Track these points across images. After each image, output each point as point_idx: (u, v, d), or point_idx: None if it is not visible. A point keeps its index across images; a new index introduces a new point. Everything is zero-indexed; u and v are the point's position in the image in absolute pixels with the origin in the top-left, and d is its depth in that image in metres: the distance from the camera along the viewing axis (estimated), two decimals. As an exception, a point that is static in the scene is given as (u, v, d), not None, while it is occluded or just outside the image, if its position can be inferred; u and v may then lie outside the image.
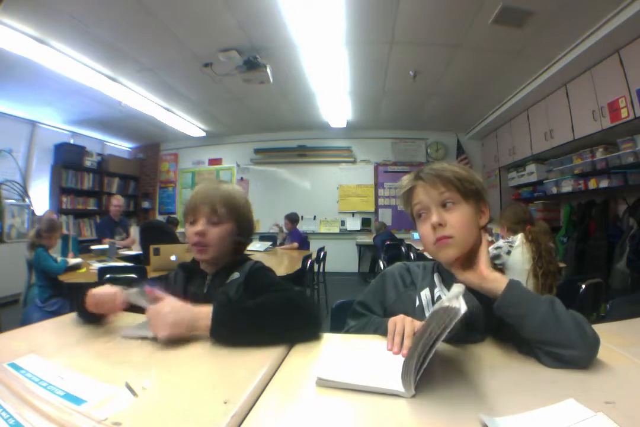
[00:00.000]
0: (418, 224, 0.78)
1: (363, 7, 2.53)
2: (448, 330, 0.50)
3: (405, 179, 0.81)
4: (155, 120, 4.90)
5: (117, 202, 3.80)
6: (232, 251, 0.97)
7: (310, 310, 0.76)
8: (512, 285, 0.65)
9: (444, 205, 0.74)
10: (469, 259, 0.72)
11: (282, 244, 4.29)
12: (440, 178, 0.74)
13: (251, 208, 1.01)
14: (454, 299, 0.52)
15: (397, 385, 0.51)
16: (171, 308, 0.71)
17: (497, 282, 0.66)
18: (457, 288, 0.62)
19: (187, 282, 0.97)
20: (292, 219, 4.27)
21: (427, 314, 0.78)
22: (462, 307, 0.50)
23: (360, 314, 0.87)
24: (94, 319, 0.82)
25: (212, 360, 0.64)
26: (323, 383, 0.54)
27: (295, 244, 4.09)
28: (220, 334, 0.70)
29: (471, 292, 0.74)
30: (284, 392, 0.54)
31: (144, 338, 0.72)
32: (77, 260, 2.47)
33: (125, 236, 3.75)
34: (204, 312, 0.70)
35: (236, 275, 0.95)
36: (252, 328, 0.70)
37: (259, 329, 0.70)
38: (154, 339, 0.70)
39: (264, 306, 0.74)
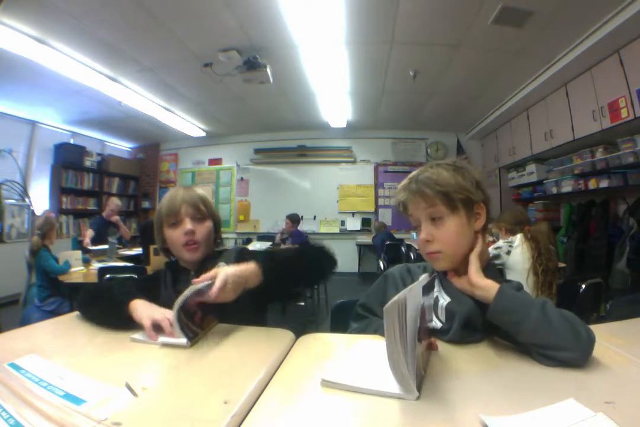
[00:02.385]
0: (417, 233, 0.80)
1: (363, 7, 2.53)
2: (414, 321, 0.49)
3: (399, 191, 0.80)
4: (155, 120, 4.90)
5: (109, 206, 3.70)
6: (212, 247, 1.03)
7: (330, 251, 0.94)
8: (503, 292, 0.65)
9: (432, 218, 0.74)
10: (465, 264, 0.72)
11: (278, 244, 4.27)
12: (421, 195, 0.73)
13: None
14: (408, 291, 0.51)
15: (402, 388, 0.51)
16: (230, 278, 0.75)
17: (487, 290, 0.66)
18: (422, 277, 0.65)
19: (174, 280, 0.99)
20: (293, 219, 4.25)
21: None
22: (414, 296, 0.49)
23: (362, 316, 0.88)
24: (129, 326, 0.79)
25: (212, 360, 0.64)
26: (327, 385, 0.54)
27: (297, 246, 4.05)
28: (269, 284, 0.81)
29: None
30: (284, 392, 0.53)
31: (152, 344, 0.71)
32: (80, 267, 2.48)
33: (119, 235, 3.72)
34: (253, 271, 0.80)
35: (222, 264, 0.94)
36: (291, 273, 0.86)
37: (298, 271, 0.87)
38: (163, 345, 0.70)
39: (298, 252, 0.93)
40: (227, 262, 0.94)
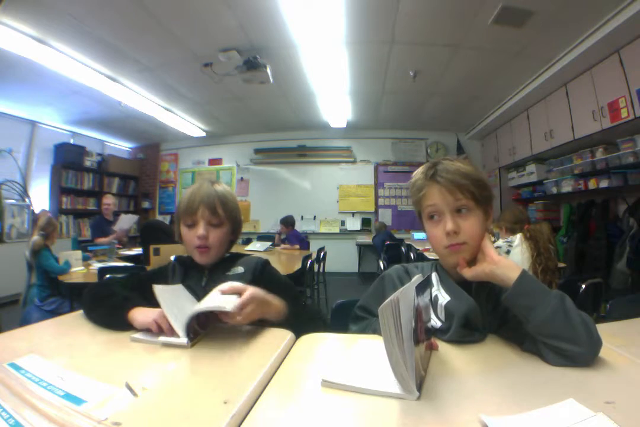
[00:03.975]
0: (428, 225, 0.77)
1: (363, 7, 2.53)
2: (409, 322, 0.49)
3: (419, 178, 0.77)
4: (155, 120, 4.90)
5: (107, 200, 3.77)
6: (227, 249, 1.02)
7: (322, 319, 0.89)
8: (525, 275, 0.65)
9: (458, 210, 0.73)
10: (474, 260, 0.73)
11: (277, 245, 4.28)
12: (459, 186, 0.72)
13: (239, 207, 1.05)
14: (401, 291, 0.51)
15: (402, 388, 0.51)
16: (256, 300, 0.75)
17: (509, 269, 0.66)
18: (415, 277, 0.63)
19: (184, 275, 0.98)
20: (287, 222, 4.23)
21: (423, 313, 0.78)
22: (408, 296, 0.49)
23: (360, 317, 0.88)
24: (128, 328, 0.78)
25: (212, 360, 0.64)
26: (328, 385, 0.54)
27: (297, 246, 4.08)
28: (284, 324, 0.79)
29: (467, 292, 0.74)
30: (284, 392, 0.53)
31: (152, 343, 0.71)
32: (80, 267, 2.49)
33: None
34: (279, 307, 0.81)
35: (240, 269, 0.96)
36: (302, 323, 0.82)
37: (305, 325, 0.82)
38: (163, 345, 0.70)
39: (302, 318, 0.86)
40: (246, 270, 0.95)
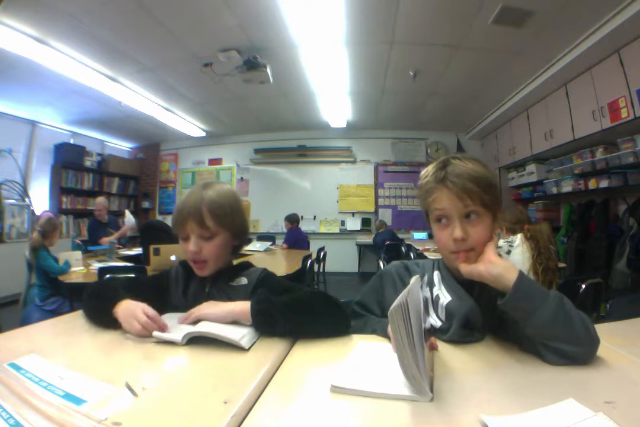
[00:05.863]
0: (435, 226, 0.76)
1: (363, 7, 2.53)
2: (419, 323, 0.49)
3: (429, 180, 0.75)
4: (155, 120, 4.90)
5: (97, 206, 3.72)
6: (230, 255, 0.97)
7: (340, 306, 0.80)
8: (523, 277, 0.63)
9: (467, 215, 0.71)
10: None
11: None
12: (468, 192, 0.70)
13: (242, 206, 0.96)
14: (406, 293, 0.50)
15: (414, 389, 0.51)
16: (212, 306, 0.78)
17: (505, 270, 0.64)
18: (413, 279, 0.62)
19: (188, 280, 0.96)
20: (292, 219, 4.31)
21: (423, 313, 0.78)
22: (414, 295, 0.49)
23: (358, 314, 0.87)
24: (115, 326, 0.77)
25: (212, 360, 0.64)
26: (337, 390, 0.53)
27: (284, 246, 4.12)
28: (260, 323, 0.75)
29: (468, 291, 0.74)
30: (284, 392, 0.53)
31: (146, 339, 0.71)
32: (80, 267, 2.48)
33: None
34: (244, 304, 0.77)
35: (244, 280, 0.93)
36: (289, 319, 0.74)
37: (296, 318, 0.75)
38: (158, 343, 0.70)
39: (300, 299, 0.79)
40: (249, 281, 0.93)
